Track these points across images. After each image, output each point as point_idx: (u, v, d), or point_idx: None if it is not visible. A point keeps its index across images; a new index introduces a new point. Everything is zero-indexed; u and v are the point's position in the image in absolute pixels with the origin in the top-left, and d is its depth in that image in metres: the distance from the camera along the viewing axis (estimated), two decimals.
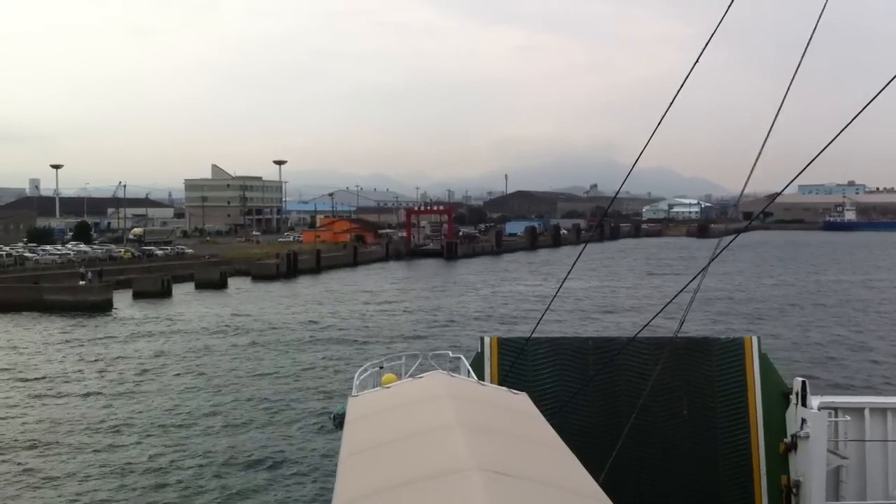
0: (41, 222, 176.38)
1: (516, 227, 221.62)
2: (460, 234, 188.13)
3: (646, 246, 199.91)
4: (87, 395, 42.85)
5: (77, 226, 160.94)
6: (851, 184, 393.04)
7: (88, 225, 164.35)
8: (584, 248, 18.85)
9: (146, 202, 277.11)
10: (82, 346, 58.27)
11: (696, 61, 11.78)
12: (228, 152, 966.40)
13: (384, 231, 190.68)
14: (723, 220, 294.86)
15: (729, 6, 11.27)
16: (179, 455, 32.26)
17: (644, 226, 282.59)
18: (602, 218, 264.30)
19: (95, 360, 52.31)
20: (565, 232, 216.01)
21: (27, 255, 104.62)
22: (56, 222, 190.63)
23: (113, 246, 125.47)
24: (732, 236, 15.42)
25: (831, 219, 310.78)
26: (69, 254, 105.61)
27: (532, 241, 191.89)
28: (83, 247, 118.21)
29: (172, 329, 65.67)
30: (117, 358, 53.25)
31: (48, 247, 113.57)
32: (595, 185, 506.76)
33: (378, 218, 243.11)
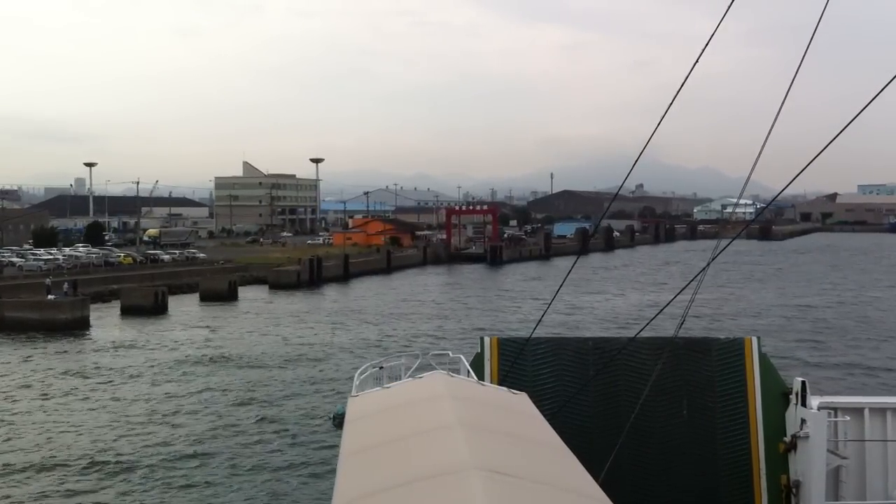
0: (74, 222, 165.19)
1: (565, 229, 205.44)
2: (505, 236, 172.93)
3: (707, 249, 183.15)
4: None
5: (88, 226, 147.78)
6: None
7: (101, 225, 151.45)
8: (576, 261, 17.32)
9: (181, 201, 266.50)
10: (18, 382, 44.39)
11: (696, 61, 11.74)
12: (271, 152, 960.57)
13: (422, 233, 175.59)
14: (781, 220, 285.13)
15: (729, 6, 11.21)
16: (174, 458, 31.30)
17: (700, 227, 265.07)
18: (658, 220, 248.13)
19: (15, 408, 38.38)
20: (618, 234, 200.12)
21: (14, 259, 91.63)
22: (82, 222, 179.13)
23: (115, 249, 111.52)
24: (729, 239, 14.28)
25: None
26: (59, 259, 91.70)
27: (583, 245, 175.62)
28: (80, 250, 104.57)
29: (151, 360, 51.74)
30: (60, 403, 39.25)
31: (40, 251, 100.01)
32: (641, 185, 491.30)
33: (417, 218, 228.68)
